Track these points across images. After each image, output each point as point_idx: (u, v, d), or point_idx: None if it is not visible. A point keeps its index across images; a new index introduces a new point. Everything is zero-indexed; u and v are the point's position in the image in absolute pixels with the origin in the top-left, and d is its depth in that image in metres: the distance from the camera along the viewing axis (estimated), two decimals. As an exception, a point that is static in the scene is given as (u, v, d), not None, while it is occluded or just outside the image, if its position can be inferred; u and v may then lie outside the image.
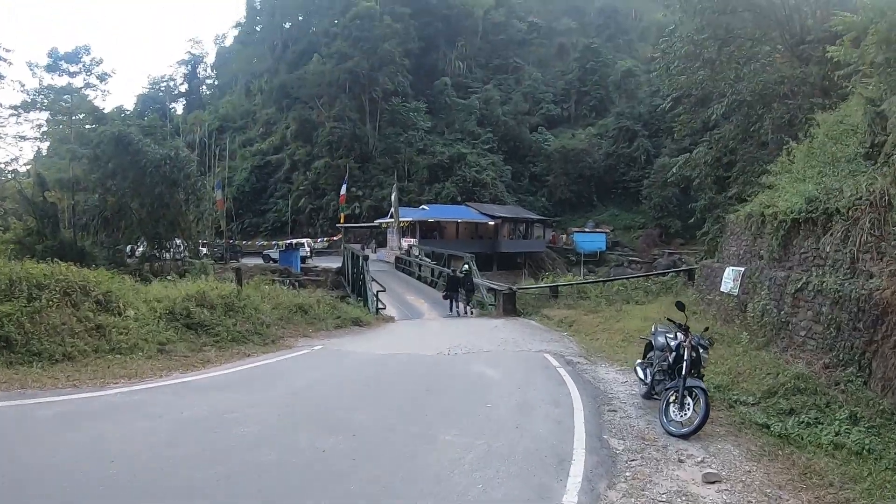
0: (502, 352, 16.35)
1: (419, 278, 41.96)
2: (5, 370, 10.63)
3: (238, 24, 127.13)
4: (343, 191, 62.00)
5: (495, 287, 29.60)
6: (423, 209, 66.28)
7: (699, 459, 7.69)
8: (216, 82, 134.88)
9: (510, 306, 26.43)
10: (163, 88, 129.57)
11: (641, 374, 10.76)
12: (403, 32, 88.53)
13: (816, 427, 8.96)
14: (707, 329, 10.75)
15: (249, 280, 23.78)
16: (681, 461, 7.65)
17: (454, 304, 28.44)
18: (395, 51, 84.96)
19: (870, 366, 10.29)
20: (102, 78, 55.05)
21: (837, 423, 8.98)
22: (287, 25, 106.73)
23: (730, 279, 17.37)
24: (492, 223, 66.16)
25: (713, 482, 6.93)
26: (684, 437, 8.55)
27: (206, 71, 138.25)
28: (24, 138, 60.39)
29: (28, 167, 61.34)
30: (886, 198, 10.88)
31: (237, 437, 7.89)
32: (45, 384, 10.14)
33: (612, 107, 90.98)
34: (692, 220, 39.37)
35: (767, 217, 15.52)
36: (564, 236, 76.64)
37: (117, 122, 51.07)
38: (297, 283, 41.28)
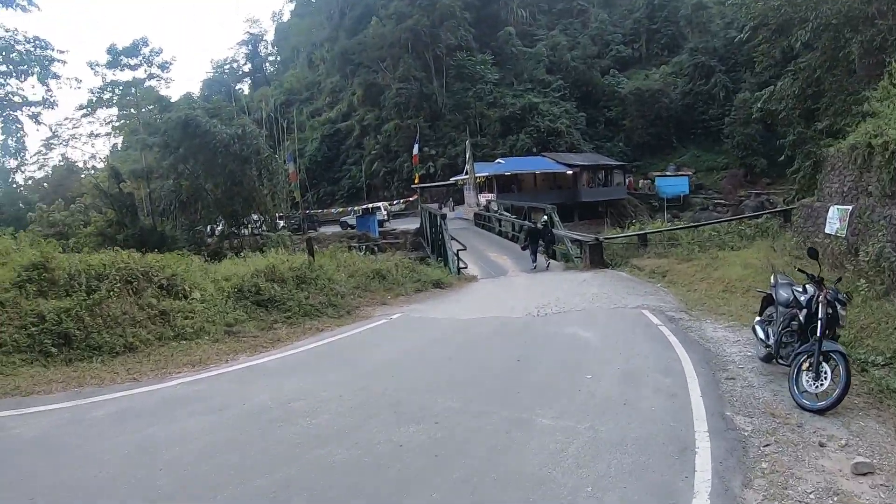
0: (596, 309, 15.01)
1: (500, 234, 40.91)
2: (64, 368, 10.24)
3: None
4: (415, 151, 60.66)
5: (580, 238, 28.01)
6: (499, 163, 65.17)
7: (843, 442, 6.36)
8: (278, 58, 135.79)
9: (598, 257, 24.87)
10: (227, 71, 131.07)
11: (762, 334, 9.20)
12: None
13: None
14: (840, 280, 8.87)
15: (325, 249, 23.62)
16: (822, 445, 6.33)
17: (534, 257, 27.21)
18: (455, 4, 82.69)
19: None
20: (164, 67, 56.10)
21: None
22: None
23: (835, 219, 15.90)
24: (570, 172, 64.49)
25: (865, 473, 5.67)
26: (821, 411, 7.15)
27: (266, 49, 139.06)
28: (96, 136, 61.55)
29: (103, 163, 63.80)
30: None
31: (303, 432, 7.11)
32: (105, 380, 9.74)
33: (686, 43, 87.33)
34: (781, 158, 37.09)
35: (876, 147, 13.87)
36: (642, 181, 74.47)
37: (183, 106, 51.05)
38: (375, 248, 41.60)
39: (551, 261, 27.79)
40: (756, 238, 24.02)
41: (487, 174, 61.73)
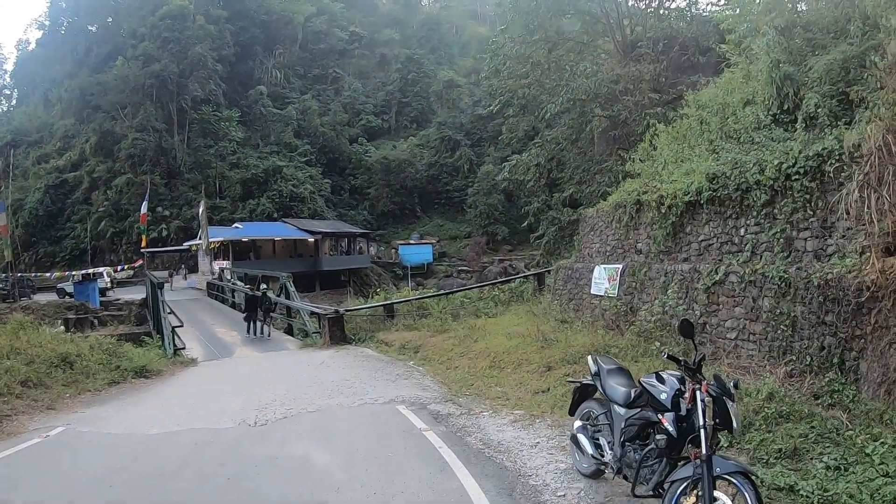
0: (336, 408, 11.78)
1: (233, 305, 37.57)
2: None
3: (41, 26, 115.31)
4: (144, 208, 54.60)
5: (318, 311, 24.85)
6: (237, 227, 62.05)
7: None
8: (16, 92, 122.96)
9: (339, 332, 21.92)
10: None
11: (589, 447, 6.67)
12: (218, 36, 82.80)
13: (853, 472, 6.17)
14: (704, 357, 5.82)
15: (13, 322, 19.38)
16: None
17: (252, 325, 26.81)
18: (208, 55, 78.92)
19: (857, 368, 8.34)
20: None
21: (875, 456, 6.33)
22: (93, 28, 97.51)
23: (603, 279, 15.43)
24: (311, 239, 62.26)
25: None
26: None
27: (3, 80, 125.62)
28: None
29: None
30: (885, 149, 8.35)
31: None
32: None
33: (434, 117, 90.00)
34: (524, 224, 38.73)
35: (647, 204, 14.18)
36: (394, 248, 74.86)
37: None
38: (95, 321, 37.84)
39: (272, 330, 27.34)
40: (511, 303, 23.02)
41: (223, 239, 57.74)
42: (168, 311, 25.38)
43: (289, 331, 27.53)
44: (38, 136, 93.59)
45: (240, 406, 12.29)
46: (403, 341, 18.97)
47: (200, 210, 51.94)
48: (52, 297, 50.02)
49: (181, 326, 24.76)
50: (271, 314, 27.85)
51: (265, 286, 30.45)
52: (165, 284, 55.99)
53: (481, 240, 73.43)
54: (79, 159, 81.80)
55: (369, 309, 26.81)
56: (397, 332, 21.11)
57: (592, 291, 15.62)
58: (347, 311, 25.06)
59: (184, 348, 22.67)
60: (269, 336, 26.48)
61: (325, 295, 55.33)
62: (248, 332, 26.77)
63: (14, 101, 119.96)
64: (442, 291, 30.13)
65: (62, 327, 25.74)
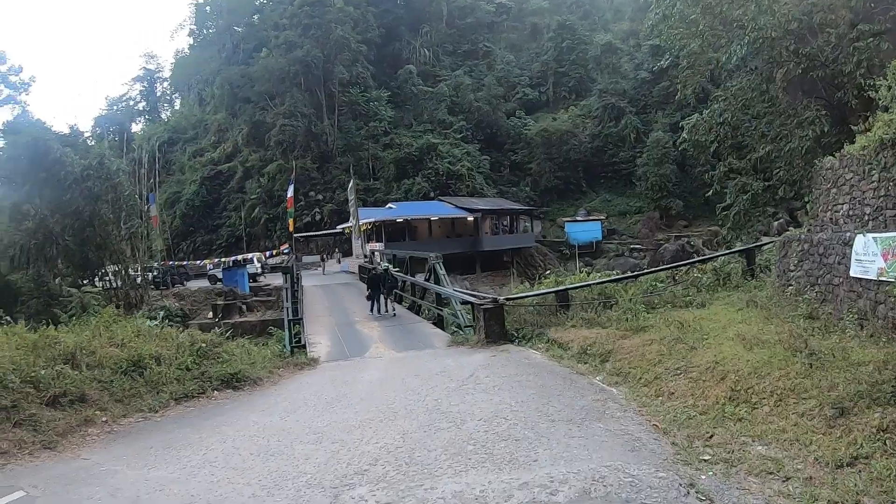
0: (487, 489, 6.45)
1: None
2: None
3: (191, 33, 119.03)
4: (290, 192, 52.48)
5: (471, 299, 19.22)
6: (390, 207, 59.00)
7: None
8: (175, 95, 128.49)
9: (497, 327, 16.83)
10: (121, 108, 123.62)
11: None
12: (361, 19, 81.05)
13: None
14: None
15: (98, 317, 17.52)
16: None
17: (374, 304, 26.06)
18: (350, 37, 76.92)
19: None
20: (21, 88, 49.72)
21: None
22: (239, 28, 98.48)
23: (871, 254, 10.03)
24: (470, 218, 58.43)
25: None
26: None
27: (163, 85, 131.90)
28: None
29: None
30: None
31: None
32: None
33: (594, 85, 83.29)
34: (708, 194, 32.01)
35: None
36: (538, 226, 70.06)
37: (32, 129, 43.76)
38: (243, 307, 39.50)
39: (398, 307, 26.93)
40: (718, 288, 17.11)
41: (374, 220, 54.85)
42: (293, 299, 23.98)
43: (438, 322, 23.39)
44: (193, 133, 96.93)
45: (313, 472, 7.70)
46: (584, 343, 13.41)
47: (350, 192, 49.46)
48: (205, 283, 51.46)
49: (299, 320, 21.92)
50: (395, 291, 27.42)
51: (385, 264, 29.19)
52: (318, 268, 55.59)
53: (654, 215, 68.24)
54: (232, 150, 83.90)
55: (537, 296, 20.56)
56: (574, 329, 15.43)
57: (853, 273, 10.35)
58: (509, 299, 19.36)
59: (303, 345, 19.38)
60: (393, 313, 25.83)
61: (486, 277, 52.29)
62: (372, 310, 26.04)
63: (177, 105, 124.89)
64: (628, 273, 23.72)
65: (155, 321, 23.75)
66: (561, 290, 18.94)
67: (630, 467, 6.68)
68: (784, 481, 6.06)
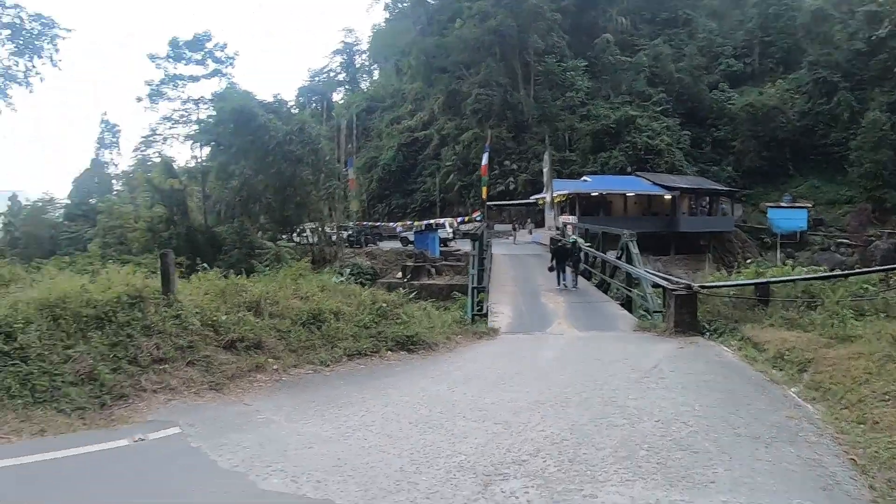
0: None
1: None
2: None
3: (386, 6, 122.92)
4: (484, 160, 52.78)
5: (663, 283, 18.22)
6: (585, 180, 57.91)
7: None
8: (373, 66, 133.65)
9: (688, 317, 15.79)
10: (323, 79, 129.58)
11: None
12: (555, -13, 79.17)
13: None
14: None
15: (286, 270, 18.59)
16: None
17: (562, 276, 25.97)
18: (545, 6, 75.53)
19: None
20: (226, 62, 53.62)
21: None
22: (432, 1, 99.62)
23: None
24: (668, 196, 56.12)
25: None
26: None
27: (361, 58, 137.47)
28: (156, 134, 60.80)
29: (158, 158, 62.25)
30: None
31: None
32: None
33: (804, 56, 76.58)
34: None
35: None
36: (738, 209, 65.39)
37: (237, 97, 46.63)
38: (432, 270, 41.13)
39: (586, 283, 26.99)
40: None
41: (568, 193, 53.96)
42: (479, 267, 24.03)
43: (626, 304, 22.51)
44: (391, 102, 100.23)
45: (468, 453, 7.22)
46: (782, 346, 11.99)
47: (545, 163, 49.24)
48: (396, 244, 53.64)
49: (483, 288, 22.38)
50: (581, 265, 27.24)
51: (573, 237, 29.15)
52: (508, 238, 55.79)
53: (866, 207, 61.76)
54: (428, 118, 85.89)
55: (733, 287, 19.35)
56: (772, 329, 13.96)
57: None
58: (703, 286, 17.96)
59: (485, 314, 19.39)
60: (576, 286, 25.76)
61: (679, 260, 50.35)
62: (559, 283, 25.94)
63: (375, 76, 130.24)
64: (836, 272, 21.44)
65: (341, 277, 24.11)
66: (761, 283, 17.39)
67: (830, 492, 6.01)
68: None
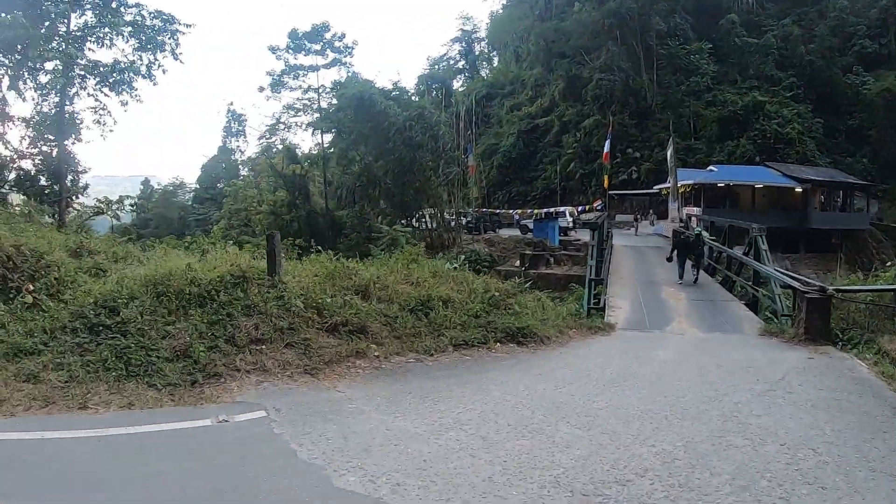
0: None
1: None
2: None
3: None
4: (606, 147, 51.93)
5: (794, 283, 17.14)
6: (711, 170, 56.25)
7: None
8: (493, 53, 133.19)
9: (820, 323, 14.63)
10: (442, 67, 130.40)
11: None
12: (676, -34, 77.06)
13: None
14: None
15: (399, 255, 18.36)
16: None
17: (681, 270, 25.38)
18: (666, -14, 73.51)
19: None
20: (347, 52, 57.17)
21: None
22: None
23: None
24: (799, 189, 53.47)
25: None
26: None
27: (480, 45, 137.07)
28: (280, 122, 64.14)
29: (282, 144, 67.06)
30: None
31: None
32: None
33: None
34: None
35: None
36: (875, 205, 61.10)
37: (358, 84, 47.63)
38: (550, 259, 40.93)
39: (702, 273, 26.32)
40: None
41: (693, 183, 52.56)
42: (598, 258, 23.99)
43: (752, 304, 21.59)
44: (510, 88, 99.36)
45: (567, 465, 6.65)
46: None
47: (669, 151, 48.40)
48: (515, 232, 53.71)
49: (600, 280, 22.60)
50: (704, 260, 27.10)
51: (698, 230, 28.40)
52: (630, 228, 55.28)
53: None
54: (549, 105, 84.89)
55: (874, 292, 17.48)
56: None
57: None
58: (839, 290, 16.45)
59: (602, 307, 19.22)
60: (697, 281, 25.25)
61: (809, 259, 48.23)
62: (680, 277, 25.34)
63: (494, 62, 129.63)
64: None
65: (455, 264, 24.48)
66: (908, 290, 16.18)
67: None
68: None
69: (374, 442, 7.18)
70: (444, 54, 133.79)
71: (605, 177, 53.59)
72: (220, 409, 8.08)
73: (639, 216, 60.42)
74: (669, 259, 26.15)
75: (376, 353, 10.82)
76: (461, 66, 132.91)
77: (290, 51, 55.85)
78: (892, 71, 71.74)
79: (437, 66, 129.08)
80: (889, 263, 27.56)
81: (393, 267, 15.00)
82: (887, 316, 15.38)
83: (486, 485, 6.09)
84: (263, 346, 9.87)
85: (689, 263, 25.51)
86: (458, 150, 52.21)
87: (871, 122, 68.27)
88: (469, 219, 55.32)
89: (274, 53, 55.81)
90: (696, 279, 25.27)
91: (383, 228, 40.52)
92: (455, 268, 20.10)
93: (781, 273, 20.57)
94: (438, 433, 7.58)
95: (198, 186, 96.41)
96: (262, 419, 7.83)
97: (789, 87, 71.30)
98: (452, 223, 49.65)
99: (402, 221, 46.06)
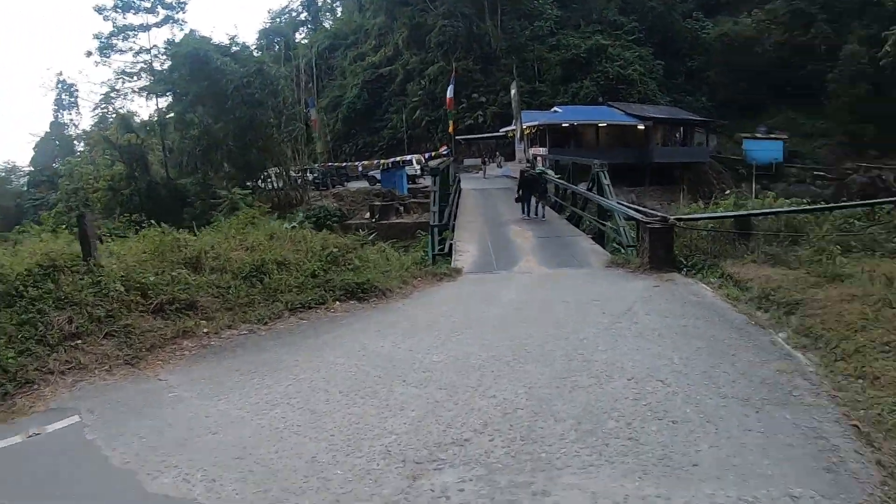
0: None
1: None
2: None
3: None
4: (450, 93, 52.07)
5: (637, 215, 17.00)
6: (555, 111, 57.02)
7: None
8: (336, 3, 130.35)
9: (663, 252, 14.52)
10: (284, 20, 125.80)
11: None
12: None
13: None
14: None
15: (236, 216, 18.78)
16: None
17: (525, 206, 26.01)
18: (509, -70, 73.65)
19: None
20: (177, 7, 55.04)
21: None
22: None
23: None
24: (641, 126, 55.20)
25: None
26: None
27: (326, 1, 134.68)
28: (115, 90, 60.36)
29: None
30: None
31: None
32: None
33: None
34: None
35: None
36: (713, 140, 64.26)
37: (191, 41, 45.15)
38: (400, 208, 41.44)
39: (550, 211, 26.80)
40: None
41: (538, 124, 53.53)
42: (440, 203, 22.94)
43: (599, 238, 21.42)
44: (354, 39, 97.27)
45: (400, 432, 6.18)
46: (766, 285, 10.80)
47: (513, 94, 48.65)
48: (363, 184, 53.46)
49: (445, 225, 21.51)
50: (548, 196, 27.41)
51: (539, 167, 29.61)
52: (478, 172, 55.40)
53: (842, 140, 61.38)
54: (393, 54, 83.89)
55: (711, 220, 18.08)
56: (754, 266, 12.77)
57: None
58: (680, 219, 16.76)
59: (448, 253, 18.43)
60: (544, 217, 25.70)
61: (653, 192, 49.97)
62: (523, 212, 26.00)
63: (339, 13, 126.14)
64: (820, 204, 19.64)
65: (295, 224, 22.94)
66: (742, 216, 16.15)
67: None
68: None
69: (191, 433, 6.43)
70: (286, 6, 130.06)
71: (451, 122, 53.94)
72: (32, 420, 7.01)
73: (486, 159, 60.63)
74: (518, 199, 26.35)
75: (205, 330, 9.97)
76: (304, 18, 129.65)
77: (118, 10, 52.50)
78: (730, 17, 75.38)
79: (278, 20, 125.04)
80: (728, 192, 28.40)
81: (227, 232, 14.57)
82: (728, 241, 15.39)
83: (310, 467, 5.55)
84: (79, 341, 8.77)
85: (534, 200, 25.79)
86: (300, 105, 50.79)
87: (710, 65, 72.02)
88: (315, 174, 54.58)
89: (101, 14, 52.48)
90: (543, 214, 25.65)
91: (222, 193, 38.64)
92: (293, 227, 19.32)
93: (624, 206, 20.30)
94: (262, 412, 6.89)
95: (32, 168, 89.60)
96: (75, 425, 6.87)
97: (631, 31, 73.15)
98: (299, 181, 48.54)
99: (249, 183, 44.26)
